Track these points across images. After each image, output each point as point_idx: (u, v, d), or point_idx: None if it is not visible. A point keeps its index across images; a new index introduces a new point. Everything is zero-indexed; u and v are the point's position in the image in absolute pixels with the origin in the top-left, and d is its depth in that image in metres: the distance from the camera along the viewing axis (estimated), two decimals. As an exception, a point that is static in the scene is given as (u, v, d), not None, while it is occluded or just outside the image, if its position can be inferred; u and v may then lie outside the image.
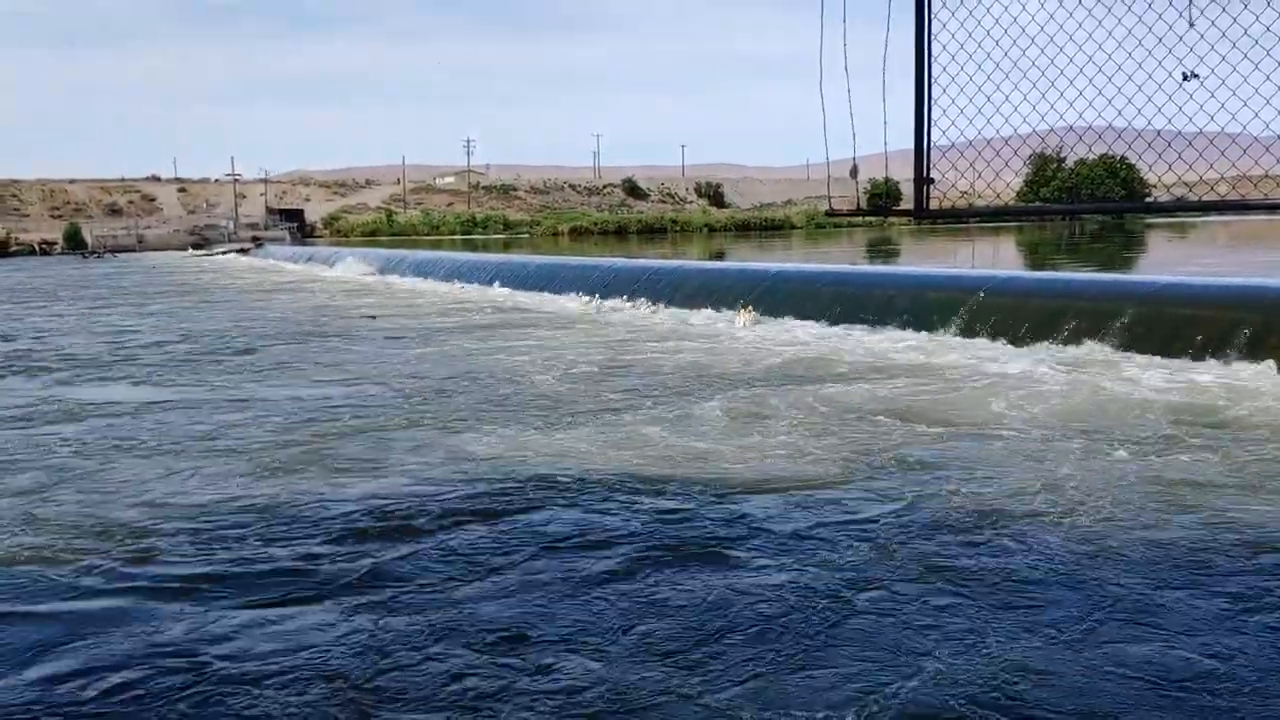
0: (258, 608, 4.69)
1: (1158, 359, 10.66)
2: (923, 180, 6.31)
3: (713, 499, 6.22)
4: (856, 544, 5.36)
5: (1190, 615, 4.38)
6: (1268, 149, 5.56)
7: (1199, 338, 10.74)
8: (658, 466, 7.03)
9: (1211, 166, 5.62)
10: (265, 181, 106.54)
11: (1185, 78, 5.29)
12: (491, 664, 4.06)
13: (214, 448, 7.91)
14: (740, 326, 15.08)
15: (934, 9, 6.10)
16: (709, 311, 16.60)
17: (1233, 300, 11.78)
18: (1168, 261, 31.11)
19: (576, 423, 8.55)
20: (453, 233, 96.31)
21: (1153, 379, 9.74)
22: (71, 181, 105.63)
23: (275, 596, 4.83)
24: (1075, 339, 11.66)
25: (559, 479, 6.76)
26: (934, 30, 6.11)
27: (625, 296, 18.80)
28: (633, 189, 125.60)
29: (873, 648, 4.14)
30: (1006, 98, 5.97)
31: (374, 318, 18.71)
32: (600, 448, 7.63)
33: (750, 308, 15.62)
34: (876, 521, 5.74)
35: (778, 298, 16.23)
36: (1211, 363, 10.29)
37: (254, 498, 6.47)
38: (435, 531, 5.72)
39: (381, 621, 4.49)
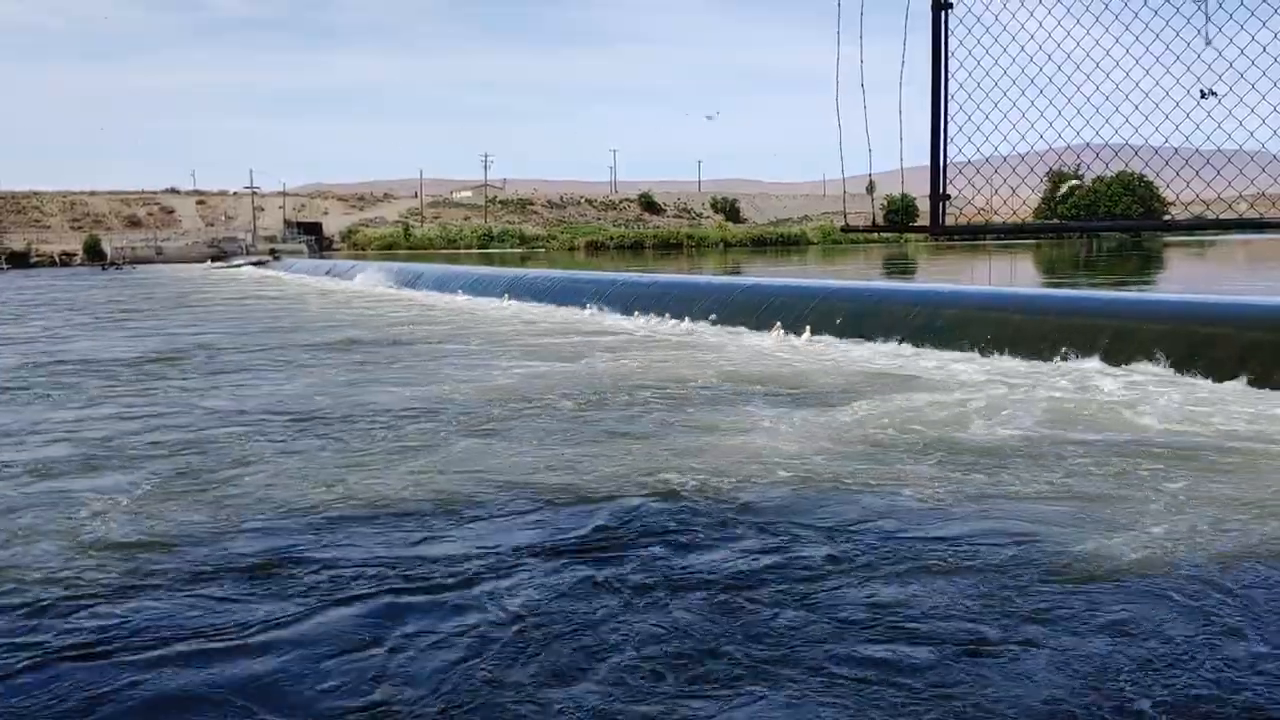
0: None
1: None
2: (939, 197, 6.32)
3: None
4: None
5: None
6: (1286, 167, 5.54)
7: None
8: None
9: (1230, 184, 5.60)
10: (283, 194, 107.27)
11: (1203, 95, 5.28)
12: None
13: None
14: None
15: (951, 26, 6.12)
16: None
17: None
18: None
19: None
20: (469, 247, 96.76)
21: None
22: (92, 193, 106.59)
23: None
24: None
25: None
26: (951, 47, 6.13)
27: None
28: (649, 204, 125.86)
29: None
30: (1024, 114, 5.98)
31: None
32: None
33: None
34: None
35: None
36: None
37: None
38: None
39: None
